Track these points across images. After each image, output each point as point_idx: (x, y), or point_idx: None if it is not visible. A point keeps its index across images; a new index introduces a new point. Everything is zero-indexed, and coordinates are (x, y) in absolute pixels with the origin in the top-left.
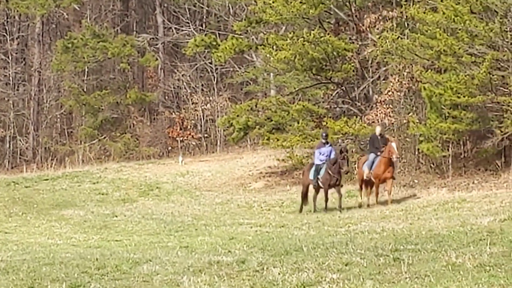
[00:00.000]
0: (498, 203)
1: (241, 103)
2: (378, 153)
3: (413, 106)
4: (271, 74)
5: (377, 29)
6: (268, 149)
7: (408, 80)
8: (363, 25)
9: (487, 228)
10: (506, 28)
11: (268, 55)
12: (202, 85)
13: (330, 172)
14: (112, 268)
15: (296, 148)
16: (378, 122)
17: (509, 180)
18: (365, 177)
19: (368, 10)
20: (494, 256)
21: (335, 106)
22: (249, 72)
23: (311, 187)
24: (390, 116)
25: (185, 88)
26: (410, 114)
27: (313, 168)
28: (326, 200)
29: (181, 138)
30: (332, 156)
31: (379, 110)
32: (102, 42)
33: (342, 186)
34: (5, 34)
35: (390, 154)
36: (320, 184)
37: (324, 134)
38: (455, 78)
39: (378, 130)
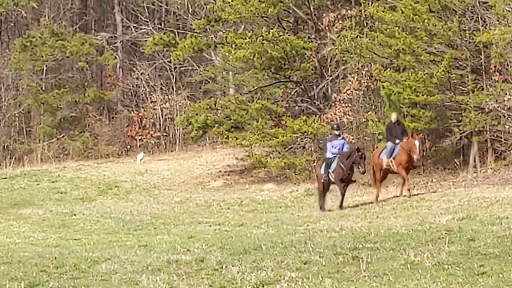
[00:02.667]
0: (456, 201)
1: (200, 102)
2: (397, 141)
3: (372, 105)
4: (230, 72)
5: (336, 28)
6: (227, 147)
7: (367, 79)
8: (322, 24)
9: (446, 227)
10: (465, 27)
11: (227, 53)
12: (161, 83)
13: (343, 166)
14: (71, 267)
15: (255, 146)
16: (337, 120)
17: (468, 179)
18: (384, 166)
19: (327, 8)
20: (452, 254)
21: (294, 105)
22: (208, 71)
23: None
24: (349, 114)
25: (144, 86)
26: (369, 113)
27: (325, 163)
28: (343, 195)
29: (140, 137)
30: (345, 149)
31: (338, 109)
32: (60, 41)
33: (355, 181)
34: None
35: (411, 151)
36: (332, 179)
37: (336, 126)
38: (414, 76)
39: (394, 117)
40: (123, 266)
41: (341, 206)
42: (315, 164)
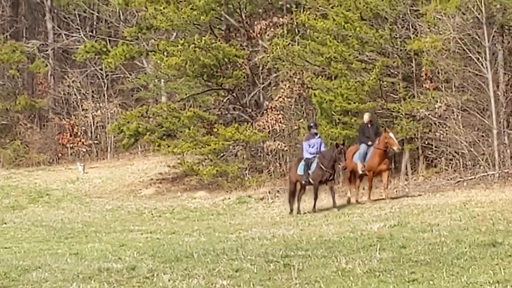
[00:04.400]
0: (388, 209)
1: (131, 110)
2: (370, 143)
3: (303, 113)
4: (162, 80)
5: (268, 35)
6: (159, 155)
7: (299, 87)
8: (254, 31)
9: (377, 234)
10: (396, 35)
11: (159, 61)
12: (93, 91)
13: (323, 166)
14: (1, 275)
15: (187, 154)
16: (269, 128)
17: (399, 186)
18: (360, 171)
19: (259, 16)
20: (383, 261)
21: (226, 112)
22: (140, 79)
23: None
24: (280, 122)
25: (75, 94)
26: (300, 121)
27: (302, 162)
28: (316, 198)
29: (71, 145)
30: (323, 148)
31: (270, 117)
32: None
33: (335, 182)
34: None
35: (387, 145)
36: (311, 180)
37: (312, 124)
38: (346, 84)
39: (366, 117)
40: (54, 275)
41: (314, 209)
42: (289, 165)
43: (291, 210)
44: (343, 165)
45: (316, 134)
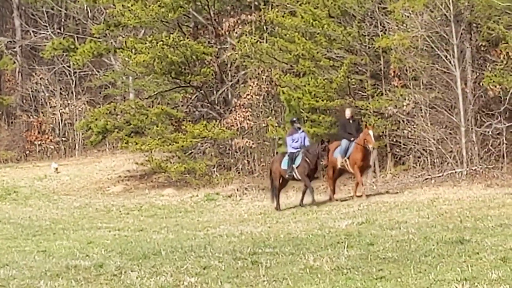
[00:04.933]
0: (356, 206)
1: (99, 107)
2: (352, 139)
3: (272, 110)
4: (130, 77)
5: (236, 33)
6: (127, 152)
7: (267, 84)
8: (222, 29)
9: (345, 231)
10: (364, 33)
11: (127, 58)
12: (61, 88)
13: (308, 160)
14: None
15: (155, 151)
16: (237, 125)
17: (367, 184)
18: (339, 166)
19: (227, 14)
20: (351, 258)
21: (194, 109)
22: (108, 76)
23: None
24: (249, 119)
25: (43, 91)
26: (269, 118)
27: (286, 157)
28: (304, 192)
29: (39, 142)
30: (306, 142)
31: (238, 114)
32: None
33: (318, 178)
34: None
35: (365, 143)
36: (296, 175)
37: (295, 119)
38: (314, 82)
39: (348, 112)
40: (22, 272)
41: (301, 203)
42: (272, 159)
43: (277, 206)
44: (324, 163)
45: (300, 128)
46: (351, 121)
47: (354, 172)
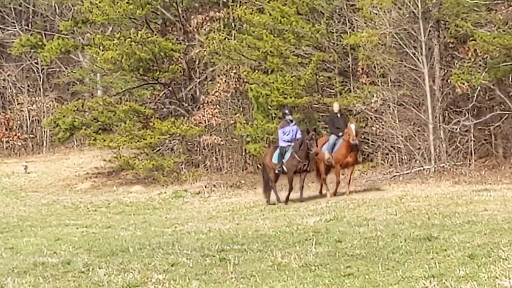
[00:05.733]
0: (323, 203)
1: (67, 104)
2: (340, 134)
3: (240, 107)
4: (98, 74)
5: (204, 29)
6: (94, 149)
7: (235, 81)
8: (190, 25)
9: (313, 228)
10: (332, 30)
11: (94, 55)
12: (28, 85)
13: (296, 155)
14: None
15: (123, 148)
16: (205, 122)
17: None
18: (326, 162)
19: (195, 10)
20: (319, 255)
21: (162, 106)
22: (76, 73)
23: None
24: (217, 116)
25: (10, 88)
26: (237, 115)
27: (277, 151)
28: (290, 189)
29: (6, 139)
30: (299, 135)
31: (206, 111)
32: None
33: (309, 171)
34: None
35: (348, 137)
36: (285, 169)
37: (287, 111)
38: (282, 79)
39: (336, 107)
40: None
41: (286, 201)
42: (264, 152)
43: (268, 200)
44: (315, 151)
45: (292, 121)
46: (339, 116)
47: (335, 170)
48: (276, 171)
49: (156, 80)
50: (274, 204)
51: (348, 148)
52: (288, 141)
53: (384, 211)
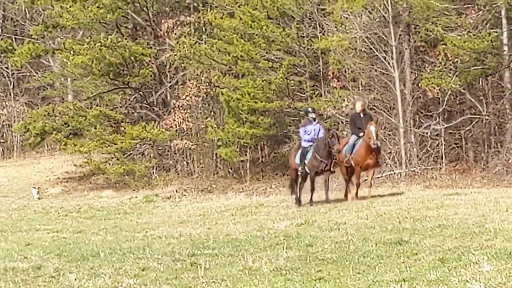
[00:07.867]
0: (294, 207)
1: (38, 108)
2: (361, 134)
3: (211, 111)
4: (69, 79)
5: (175, 34)
6: (65, 154)
7: (206, 85)
8: (161, 30)
9: (284, 232)
10: (303, 34)
11: (65, 59)
12: None
13: (318, 156)
14: None
15: (94, 153)
16: (176, 127)
17: (307, 185)
18: (345, 164)
19: (166, 15)
20: (290, 260)
21: (133, 111)
22: (46, 77)
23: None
24: (188, 121)
25: None
26: (208, 119)
27: (299, 151)
28: (312, 190)
29: None
30: (321, 135)
31: (177, 115)
32: None
33: (333, 172)
34: None
35: (368, 140)
36: (307, 170)
37: (310, 109)
38: (252, 83)
39: (358, 106)
40: None
41: (311, 202)
42: (289, 150)
43: (297, 201)
44: (337, 148)
45: (314, 119)
46: (361, 115)
47: (356, 173)
48: (299, 173)
49: (126, 85)
50: (300, 205)
51: (368, 150)
52: (309, 141)
53: (355, 215)
